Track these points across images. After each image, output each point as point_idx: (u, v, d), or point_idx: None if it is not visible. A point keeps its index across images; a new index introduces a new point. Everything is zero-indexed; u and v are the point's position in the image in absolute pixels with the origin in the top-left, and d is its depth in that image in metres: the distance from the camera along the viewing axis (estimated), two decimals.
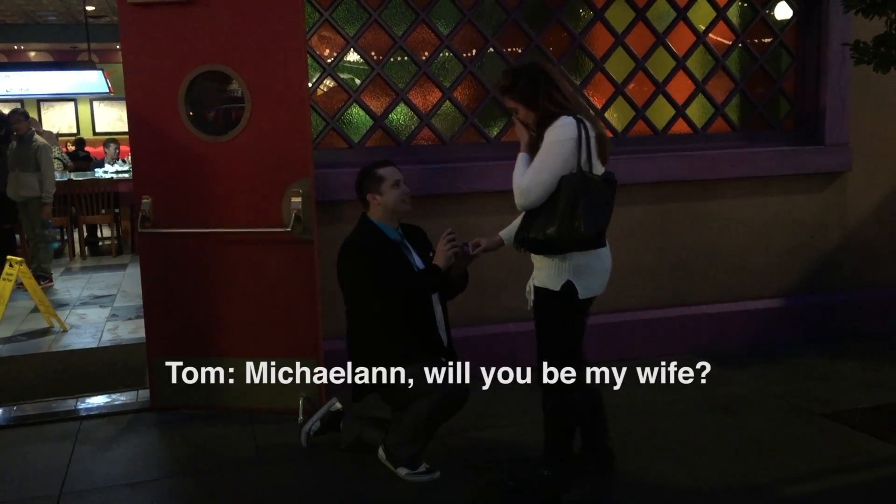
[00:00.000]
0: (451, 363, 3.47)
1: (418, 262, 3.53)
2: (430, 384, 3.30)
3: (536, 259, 3.18)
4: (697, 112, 5.26)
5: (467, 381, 3.38)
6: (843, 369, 4.76)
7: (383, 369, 3.40)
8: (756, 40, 5.30)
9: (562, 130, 2.98)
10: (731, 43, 5.24)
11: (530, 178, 3.01)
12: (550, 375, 3.18)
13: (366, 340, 3.48)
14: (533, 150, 3.12)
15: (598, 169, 3.07)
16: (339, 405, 3.86)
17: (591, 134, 3.03)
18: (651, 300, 5.08)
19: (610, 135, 5.03)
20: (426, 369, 3.34)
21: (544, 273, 3.14)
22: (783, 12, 5.30)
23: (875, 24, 3.83)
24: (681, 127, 5.23)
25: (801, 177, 5.25)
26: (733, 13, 5.22)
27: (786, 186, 5.24)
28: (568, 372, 3.18)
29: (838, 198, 5.35)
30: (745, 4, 5.24)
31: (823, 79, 5.20)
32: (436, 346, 3.50)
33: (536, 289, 3.20)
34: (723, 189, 5.13)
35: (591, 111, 3.16)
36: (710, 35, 5.20)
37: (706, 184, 5.09)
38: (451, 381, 3.33)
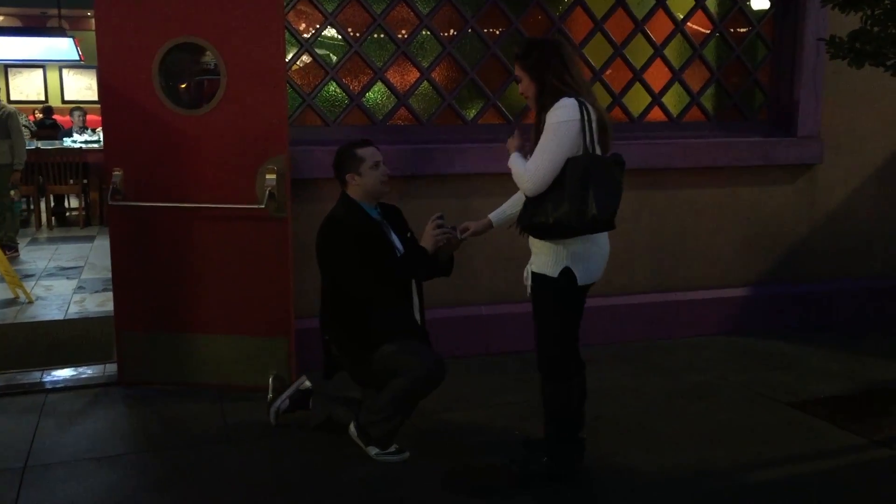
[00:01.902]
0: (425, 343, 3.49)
1: (397, 243, 3.54)
2: (407, 363, 3.31)
3: (535, 244, 3.14)
4: (673, 100, 5.29)
5: (443, 360, 3.39)
6: (809, 359, 4.84)
7: (359, 348, 3.41)
8: (733, 30, 5.33)
9: (563, 112, 2.95)
10: (708, 32, 5.26)
11: (537, 160, 2.97)
12: (550, 361, 3.20)
13: (344, 318, 3.47)
14: (535, 132, 3.08)
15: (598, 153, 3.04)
16: (308, 383, 3.85)
17: (593, 117, 3.00)
18: (622, 287, 5.12)
19: None
20: (403, 348, 3.35)
21: (542, 259, 3.11)
22: (761, 4, 5.34)
23: (851, 18, 3.86)
24: (656, 115, 5.26)
25: (773, 168, 5.30)
26: (711, 3, 5.25)
27: (758, 177, 5.29)
28: (566, 358, 3.20)
29: (809, 189, 5.42)
30: None
31: (798, 72, 5.25)
32: (412, 326, 3.51)
33: (534, 274, 3.16)
34: (696, 178, 5.17)
35: (595, 98, 3.10)
36: (689, 24, 5.22)
37: (680, 172, 5.13)
38: (428, 359, 3.34)
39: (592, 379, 4.37)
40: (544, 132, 2.98)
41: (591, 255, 3.10)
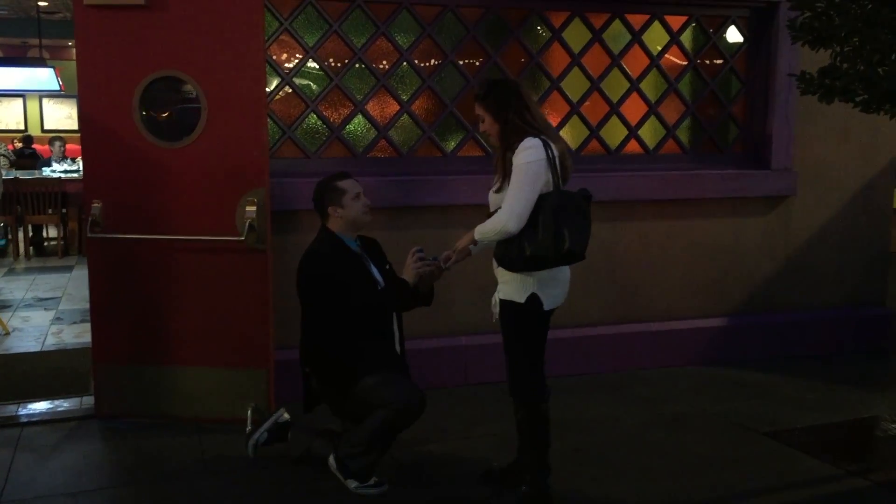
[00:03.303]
0: (405, 375, 3.51)
1: (377, 275, 3.56)
2: (386, 395, 3.32)
3: (502, 273, 3.23)
4: (649, 133, 5.37)
5: (423, 392, 3.41)
6: (785, 389, 4.88)
7: (339, 380, 3.42)
8: (708, 61, 5.43)
9: (530, 153, 3.07)
10: (683, 66, 5.36)
11: (513, 200, 3.06)
12: (525, 386, 3.27)
13: (324, 351, 3.48)
14: (500, 167, 3.19)
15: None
16: (286, 416, 3.85)
17: (555, 154, 3.14)
18: (599, 317, 5.16)
19: None
20: (383, 381, 3.36)
21: (510, 286, 3.20)
22: (734, 38, 5.45)
23: (821, 54, 3.95)
24: (633, 147, 5.34)
25: (748, 199, 5.38)
26: (686, 38, 5.35)
27: (733, 208, 5.37)
28: (538, 380, 3.27)
29: (783, 221, 5.50)
30: (698, 30, 5.36)
31: (771, 105, 5.34)
32: (392, 358, 3.52)
33: (502, 302, 3.25)
34: (672, 209, 5.24)
35: (555, 133, 3.23)
36: (664, 58, 5.32)
37: (656, 204, 5.19)
38: (407, 391, 3.35)
39: (571, 410, 4.42)
40: (514, 173, 3.09)
41: (556, 281, 3.23)
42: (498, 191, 3.21)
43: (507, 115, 3.15)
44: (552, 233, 3.02)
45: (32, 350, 5.62)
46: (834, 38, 3.80)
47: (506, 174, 3.16)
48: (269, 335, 4.14)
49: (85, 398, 4.46)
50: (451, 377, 4.78)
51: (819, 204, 5.56)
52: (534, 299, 3.17)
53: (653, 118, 5.34)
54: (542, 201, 3.07)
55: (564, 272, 3.27)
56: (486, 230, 3.19)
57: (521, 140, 3.10)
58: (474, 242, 3.35)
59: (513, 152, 3.11)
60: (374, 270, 3.57)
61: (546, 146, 3.10)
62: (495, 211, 3.21)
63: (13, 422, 4.22)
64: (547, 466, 3.33)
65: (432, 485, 3.55)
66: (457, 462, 3.79)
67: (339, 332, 3.44)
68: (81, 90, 4.08)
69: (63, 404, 4.43)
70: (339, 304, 3.39)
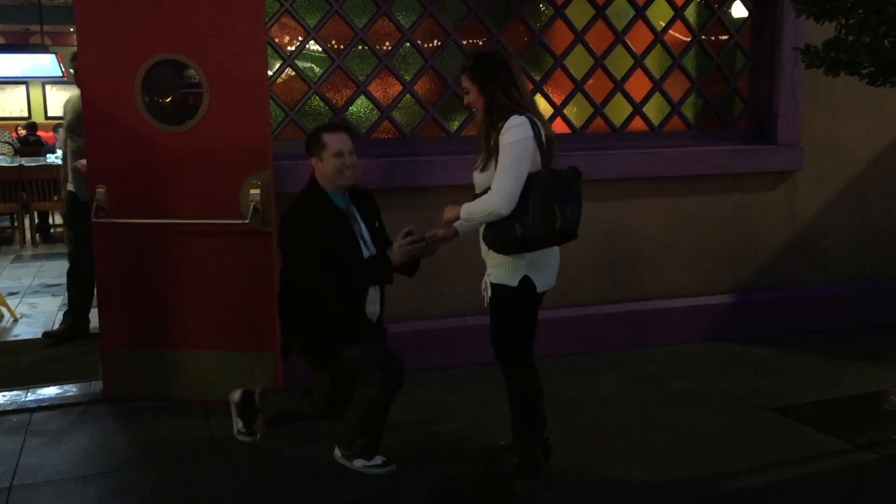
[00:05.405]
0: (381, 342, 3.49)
1: (364, 231, 3.46)
2: (365, 373, 3.30)
3: (492, 256, 3.20)
4: (654, 110, 5.33)
5: (400, 359, 3.36)
6: (792, 364, 4.88)
7: (315, 349, 3.42)
8: (713, 38, 5.38)
9: (518, 131, 3.01)
10: (688, 42, 5.31)
11: (502, 180, 3.00)
12: (514, 366, 3.28)
13: (299, 310, 3.42)
14: (484, 143, 3.14)
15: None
16: (236, 396, 3.77)
17: (542, 132, 3.08)
18: (606, 295, 5.15)
19: (569, 131, 5.11)
20: (357, 356, 3.32)
21: (501, 270, 3.17)
22: (739, 13, 5.40)
23: (827, 27, 3.92)
24: (638, 124, 5.30)
25: (754, 175, 5.35)
26: (690, 13, 5.30)
27: (739, 184, 5.34)
28: (527, 361, 3.29)
29: (789, 196, 5.47)
30: (702, 5, 5.31)
31: (777, 80, 5.30)
32: (366, 326, 3.44)
33: (493, 285, 3.23)
34: (678, 186, 5.21)
35: (539, 112, 3.20)
36: (668, 33, 5.27)
37: (662, 181, 5.17)
38: (385, 366, 3.31)
39: (578, 388, 4.42)
40: (501, 152, 3.03)
41: (547, 262, 3.20)
42: (483, 170, 3.16)
43: (494, 91, 3.08)
44: (543, 212, 2.98)
45: (40, 336, 5.63)
46: (839, 10, 3.75)
47: (490, 154, 3.10)
48: (275, 317, 4.14)
49: (93, 383, 4.47)
50: (457, 357, 4.78)
51: (826, 179, 5.53)
52: (526, 282, 3.14)
53: (658, 95, 5.30)
54: (531, 180, 3.01)
55: (554, 253, 3.23)
56: (474, 211, 3.13)
57: (506, 118, 3.03)
58: (457, 234, 3.35)
59: (497, 131, 3.05)
60: (363, 226, 3.45)
61: (532, 124, 3.04)
62: (482, 192, 3.14)
63: (23, 407, 4.24)
64: (541, 441, 3.37)
65: (441, 464, 3.56)
66: (465, 441, 3.80)
67: (314, 300, 3.34)
68: (83, 75, 4.07)
69: (71, 389, 4.45)
70: (313, 271, 3.29)
